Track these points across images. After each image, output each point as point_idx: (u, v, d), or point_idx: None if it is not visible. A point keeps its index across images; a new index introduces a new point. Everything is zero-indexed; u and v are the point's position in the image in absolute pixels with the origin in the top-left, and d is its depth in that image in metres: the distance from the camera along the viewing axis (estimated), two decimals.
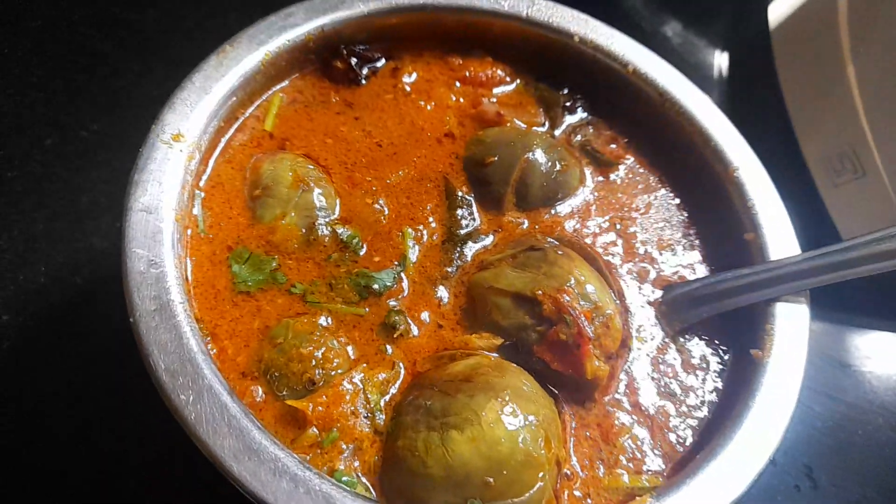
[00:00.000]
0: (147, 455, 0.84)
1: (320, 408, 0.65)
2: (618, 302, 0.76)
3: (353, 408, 0.66)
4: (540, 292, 0.70)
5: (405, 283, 0.75)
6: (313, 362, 0.67)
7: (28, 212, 0.97)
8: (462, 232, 0.79)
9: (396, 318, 0.72)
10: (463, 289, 0.76)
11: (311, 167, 0.78)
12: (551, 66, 0.92)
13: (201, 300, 0.69)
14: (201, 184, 0.75)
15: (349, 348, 0.70)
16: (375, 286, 0.73)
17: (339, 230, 0.75)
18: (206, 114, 0.74)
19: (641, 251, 0.83)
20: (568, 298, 0.69)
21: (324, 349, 0.68)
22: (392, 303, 0.73)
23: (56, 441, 0.84)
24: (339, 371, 0.67)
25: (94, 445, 0.84)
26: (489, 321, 0.72)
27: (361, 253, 0.75)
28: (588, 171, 0.88)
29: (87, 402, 0.86)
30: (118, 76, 1.10)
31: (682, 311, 0.78)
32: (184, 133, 0.72)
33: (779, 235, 0.79)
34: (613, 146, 0.89)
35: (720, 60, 1.31)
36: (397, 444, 0.64)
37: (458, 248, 0.78)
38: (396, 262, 0.75)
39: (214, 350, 0.67)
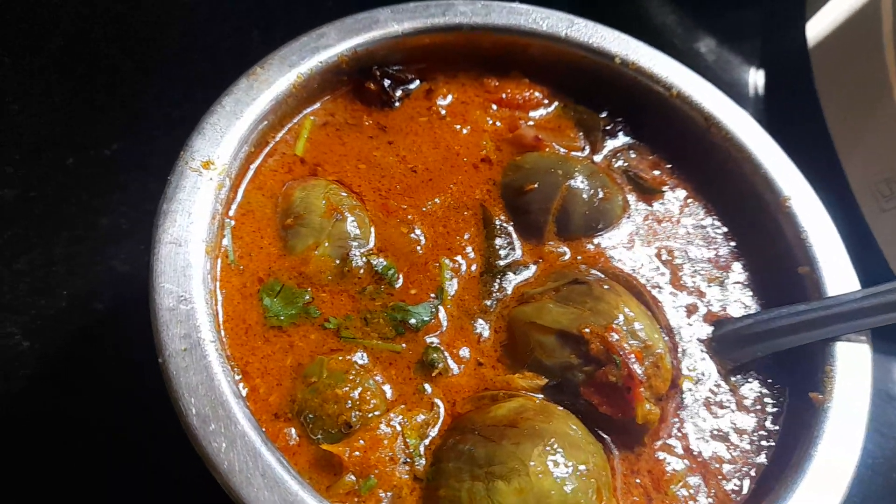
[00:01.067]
0: (171, 492, 0.81)
1: (357, 452, 0.61)
2: (667, 339, 0.72)
3: (391, 453, 0.62)
4: (587, 330, 0.66)
5: (443, 317, 0.71)
6: (349, 404, 0.63)
7: (47, 235, 0.95)
8: (501, 263, 0.75)
9: (435, 355, 0.68)
10: (503, 323, 0.72)
11: (345, 194, 0.75)
12: (591, 88, 0.88)
13: (231, 336, 0.66)
14: (231, 212, 0.72)
15: (386, 388, 0.66)
16: (412, 321, 0.70)
17: (374, 261, 0.72)
18: (237, 139, 0.71)
19: (689, 284, 0.79)
20: (617, 337, 0.65)
21: (360, 389, 0.64)
22: (430, 339, 0.70)
23: (75, 473, 0.81)
24: (376, 413, 0.64)
25: (115, 479, 0.82)
26: (532, 359, 0.69)
27: (397, 285, 0.72)
28: (631, 199, 0.84)
29: (108, 432, 0.83)
30: (139, 96, 1.08)
31: (734, 349, 0.74)
32: (214, 160, 0.69)
33: (835, 269, 0.75)
34: (657, 172, 0.86)
35: (756, 78, 1.28)
36: (439, 493, 0.60)
37: (498, 280, 0.74)
38: (433, 295, 0.72)
39: (246, 389, 0.64)
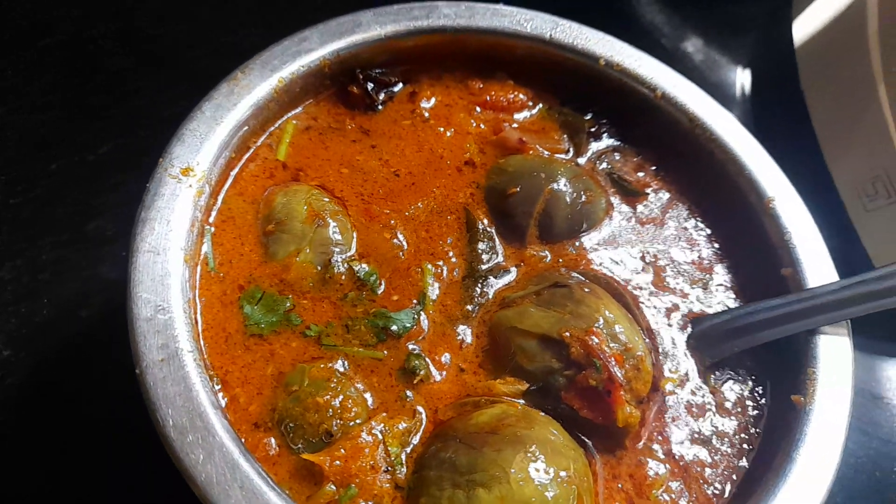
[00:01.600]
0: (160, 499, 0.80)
1: (338, 462, 0.61)
2: (648, 341, 0.72)
3: (372, 462, 0.62)
4: (567, 334, 0.66)
5: (424, 323, 0.71)
6: (330, 412, 0.63)
7: (33, 239, 0.94)
8: (483, 267, 0.75)
9: (416, 362, 0.68)
10: (485, 328, 0.72)
11: (327, 199, 0.74)
12: (576, 90, 0.88)
13: (211, 344, 0.66)
14: (211, 218, 0.72)
15: (367, 395, 0.66)
16: (394, 327, 0.69)
17: (357, 267, 0.71)
18: (217, 145, 0.71)
19: (672, 285, 0.79)
20: (597, 341, 0.65)
21: (341, 397, 0.64)
22: (411, 346, 0.69)
23: (63, 480, 0.81)
24: (358, 421, 0.64)
25: (103, 485, 0.81)
26: (513, 364, 0.68)
27: (380, 291, 0.72)
28: (615, 201, 0.84)
29: (97, 439, 0.83)
30: (138, 94, 1.07)
31: (713, 344, 0.74)
32: (193, 167, 0.69)
33: (818, 271, 0.75)
34: (641, 174, 0.86)
35: (742, 78, 1.28)
36: (420, 501, 0.60)
37: (480, 285, 0.74)
38: (416, 301, 0.72)
39: (225, 399, 0.63)
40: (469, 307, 0.73)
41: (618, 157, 0.86)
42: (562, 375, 0.66)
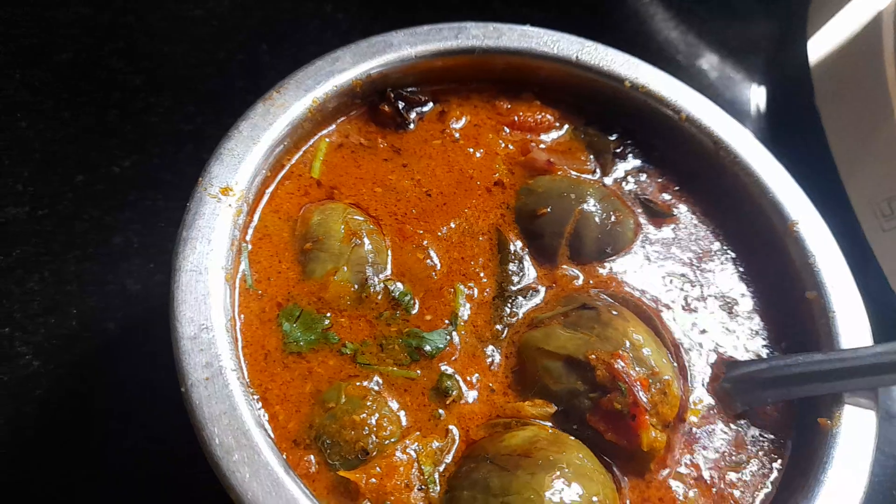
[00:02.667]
0: None
1: (373, 479, 0.62)
2: (675, 365, 0.73)
3: (406, 480, 0.63)
4: (593, 356, 0.67)
5: (456, 343, 0.72)
6: (366, 430, 0.64)
7: (59, 253, 0.95)
8: (513, 288, 0.76)
9: (449, 382, 0.69)
10: (514, 349, 0.73)
11: (362, 218, 0.75)
12: (601, 110, 0.90)
13: (251, 361, 0.67)
14: (248, 236, 0.73)
15: (401, 414, 0.67)
16: (427, 347, 0.70)
17: (392, 286, 0.72)
18: (254, 164, 0.71)
19: (698, 308, 0.80)
20: (622, 364, 0.66)
21: (377, 416, 0.65)
22: (444, 366, 0.70)
23: (90, 492, 0.82)
24: (392, 440, 0.64)
25: (131, 499, 0.82)
26: (539, 386, 0.69)
27: (413, 311, 0.72)
28: (642, 221, 0.85)
29: (124, 452, 0.84)
30: (149, 111, 1.08)
31: (746, 391, 0.74)
32: (232, 186, 0.69)
33: (842, 296, 0.76)
34: (666, 195, 0.87)
35: (757, 95, 1.29)
36: None
37: (510, 305, 0.75)
38: (448, 322, 0.72)
39: (266, 416, 0.64)
40: (499, 327, 0.74)
41: (643, 178, 0.87)
42: (587, 398, 0.67)
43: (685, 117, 0.86)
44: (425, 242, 0.76)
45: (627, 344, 0.68)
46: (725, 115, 0.87)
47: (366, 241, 0.73)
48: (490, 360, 0.72)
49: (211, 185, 0.68)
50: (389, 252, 0.75)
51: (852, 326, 0.74)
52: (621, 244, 0.81)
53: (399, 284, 0.73)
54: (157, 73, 1.10)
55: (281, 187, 0.77)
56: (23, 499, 0.80)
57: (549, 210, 0.79)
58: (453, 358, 0.71)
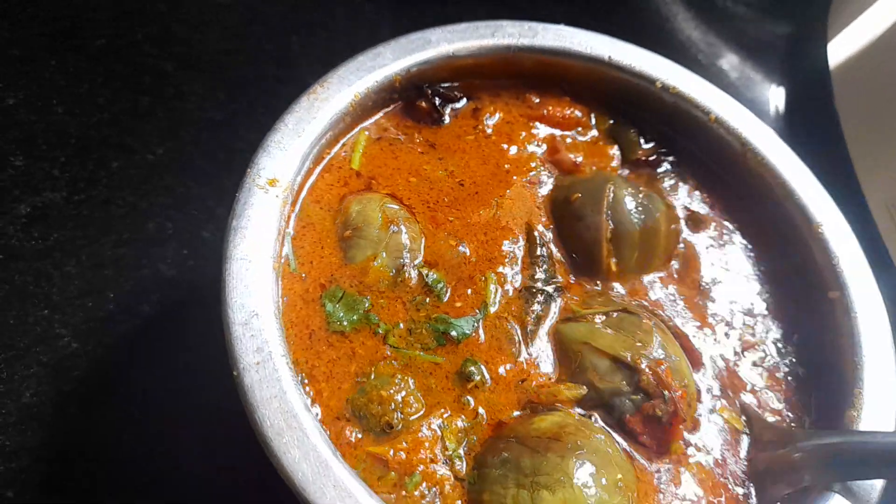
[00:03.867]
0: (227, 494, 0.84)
1: (402, 453, 0.65)
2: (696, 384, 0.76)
3: (431, 455, 0.66)
4: (641, 361, 0.70)
5: (481, 332, 0.74)
6: (392, 405, 0.67)
7: (95, 237, 0.97)
8: (542, 283, 0.78)
9: (472, 368, 0.71)
10: (544, 341, 0.75)
11: (398, 207, 0.77)
12: (630, 110, 0.91)
13: (296, 341, 0.69)
14: (291, 224, 0.75)
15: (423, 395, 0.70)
16: (454, 333, 0.72)
17: (426, 272, 0.75)
18: (299, 156, 0.74)
19: (720, 313, 0.82)
20: (668, 375, 0.69)
21: (403, 393, 0.68)
22: (469, 352, 0.73)
23: (128, 472, 0.84)
24: (417, 415, 0.67)
25: (166, 480, 0.84)
26: (584, 379, 0.71)
27: (445, 298, 0.75)
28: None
29: (160, 435, 0.86)
30: (182, 98, 1.10)
31: (819, 468, 0.67)
32: (279, 178, 0.71)
33: (865, 296, 0.78)
34: (695, 196, 0.89)
35: (777, 96, 1.31)
36: (483, 497, 0.63)
37: (539, 300, 0.77)
38: (477, 310, 0.75)
39: (311, 392, 0.67)
40: (529, 318, 0.76)
41: (672, 181, 0.89)
42: (629, 399, 0.69)
43: (714, 118, 0.87)
44: (457, 230, 0.78)
45: (672, 357, 0.71)
46: (753, 117, 0.88)
47: (402, 228, 0.75)
48: (515, 351, 0.74)
49: (259, 176, 0.70)
50: (423, 239, 0.77)
51: (874, 328, 0.76)
52: (655, 224, 0.82)
53: (433, 273, 0.75)
54: (188, 60, 1.12)
55: (322, 179, 0.79)
56: (65, 476, 0.82)
57: (580, 195, 0.80)
58: (479, 344, 0.73)
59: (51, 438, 0.84)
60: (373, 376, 0.68)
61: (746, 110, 0.88)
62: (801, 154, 0.87)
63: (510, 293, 0.76)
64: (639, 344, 0.71)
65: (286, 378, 0.61)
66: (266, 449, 0.59)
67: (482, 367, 0.71)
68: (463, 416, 0.69)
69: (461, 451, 0.66)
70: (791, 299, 0.84)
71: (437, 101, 0.85)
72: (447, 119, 0.87)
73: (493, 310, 0.75)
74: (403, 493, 0.64)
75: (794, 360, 0.80)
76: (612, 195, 0.80)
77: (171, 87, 1.10)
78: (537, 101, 0.91)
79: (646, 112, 0.91)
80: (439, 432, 0.67)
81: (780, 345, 0.81)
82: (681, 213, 0.87)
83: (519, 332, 0.75)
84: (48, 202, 0.97)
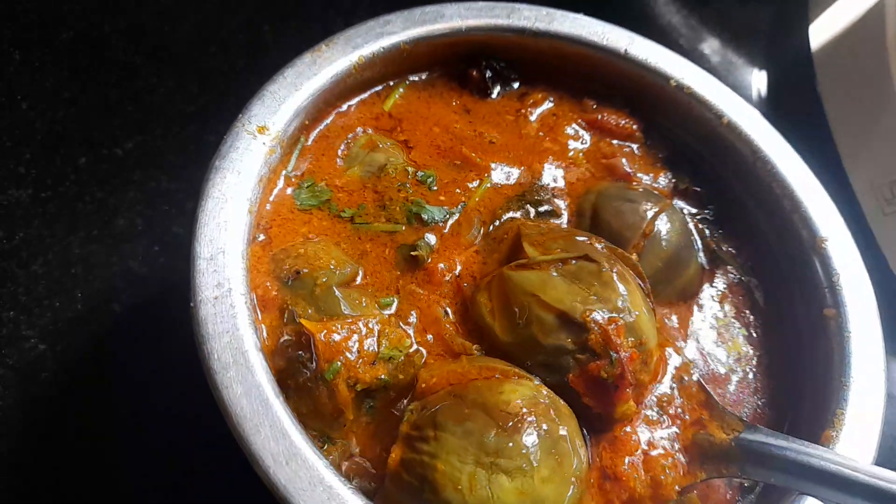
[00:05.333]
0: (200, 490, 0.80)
1: (334, 336, 0.63)
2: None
3: (358, 348, 0.64)
4: (590, 319, 0.64)
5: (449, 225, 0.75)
6: (305, 260, 0.68)
7: (62, 235, 0.91)
8: (537, 199, 0.78)
9: (422, 243, 0.72)
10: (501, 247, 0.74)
11: (390, 143, 0.79)
12: (654, 117, 0.89)
13: (272, 210, 0.72)
14: (311, 137, 0.78)
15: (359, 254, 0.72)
16: (424, 216, 0.73)
17: (415, 171, 0.77)
18: (293, 109, 0.73)
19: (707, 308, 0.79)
20: (617, 335, 0.63)
21: (319, 253, 0.69)
22: (429, 235, 0.73)
23: (100, 474, 0.80)
24: (326, 269, 0.68)
25: (141, 479, 0.81)
26: (527, 333, 0.66)
27: (433, 189, 0.76)
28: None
29: (131, 434, 0.82)
30: (152, 91, 1.04)
31: (754, 463, 0.65)
32: (269, 126, 0.71)
33: (861, 317, 0.74)
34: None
35: (759, 80, 1.29)
36: (436, 464, 0.57)
37: (525, 208, 0.77)
38: (458, 206, 0.76)
39: (263, 237, 0.70)
40: (500, 219, 0.76)
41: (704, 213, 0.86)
42: (573, 358, 0.64)
43: (726, 122, 0.84)
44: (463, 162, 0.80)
45: (625, 312, 0.65)
46: (767, 124, 0.85)
47: (380, 149, 0.78)
48: (473, 236, 0.75)
49: (249, 122, 0.70)
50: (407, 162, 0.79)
51: (866, 350, 0.72)
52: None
53: (423, 171, 0.77)
54: (158, 52, 1.07)
55: (357, 109, 0.82)
56: (34, 479, 0.78)
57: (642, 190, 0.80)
58: (442, 233, 0.74)
59: (18, 444, 0.79)
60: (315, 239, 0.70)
61: (761, 116, 0.85)
62: (784, 138, 0.84)
63: (498, 197, 0.77)
64: (593, 297, 0.65)
65: (242, 316, 0.61)
66: (210, 381, 0.58)
67: (432, 249, 0.72)
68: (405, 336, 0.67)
69: (397, 358, 0.65)
70: (787, 312, 0.80)
71: (489, 74, 0.85)
72: (494, 95, 0.86)
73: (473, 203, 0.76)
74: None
75: (779, 369, 0.77)
76: (671, 211, 0.78)
77: (141, 80, 1.04)
78: (594, 105, 0.88)
79: (663, 116, 0.88)
80: (376, 332, 0.65)
81: (767, 354, 0.79)
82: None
83: (483, 223, 0.75)
84: (13, 200, 0.92)
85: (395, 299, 0.69)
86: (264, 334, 0.65)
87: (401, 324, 0.68)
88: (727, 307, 0.80)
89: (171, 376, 0.80)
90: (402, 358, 0.65)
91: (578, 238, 0.72)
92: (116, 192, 0.96)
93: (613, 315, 0.64)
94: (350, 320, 0.65)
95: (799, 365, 0.76)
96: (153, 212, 0.95)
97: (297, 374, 0.63)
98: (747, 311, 0.80)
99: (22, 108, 0.98)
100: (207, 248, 0.63)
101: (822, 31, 1.24)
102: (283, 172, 0.73)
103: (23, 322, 0.85)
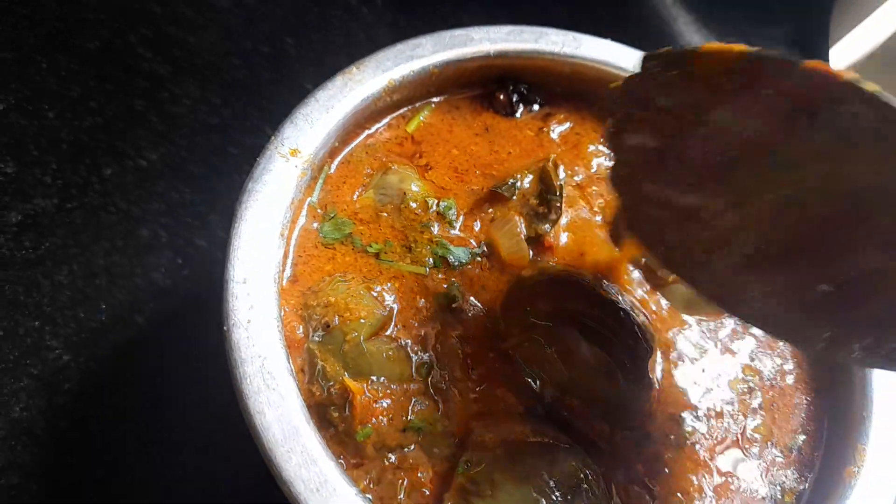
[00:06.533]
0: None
1: (368, 396, 0.63)
2: None
3: (391, 416, 0.64)
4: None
5: (480, 266, 0.74)
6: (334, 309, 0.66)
7: (87, 245, 0.91)
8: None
9: (456, 293, 0.71)
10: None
11: (409, 171, 0.78)
12: None
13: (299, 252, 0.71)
14: (335, 163, 0.77)
15: (392, 302, 0.69)
16: (450, 258, 0.72)
17: (430, 201, 0.75)
18: (325, 131, 0.73)
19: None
20: None
21: (349, 299, 0.67)
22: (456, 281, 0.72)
23: (121, 484, 0.81)
24: (360, 321, 0.66)
25: (162, 490, 0.81)
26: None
27: (457, 225, 0.75)
28: None
29: (154, 445, 0.83)
30: (176, 102, 1.04)
31: None
32: (301, 149, 0.71)
33: None
34: None
35: None
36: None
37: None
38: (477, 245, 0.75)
39: (291, 273, 0.69)
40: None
41: None
42: None
43: None
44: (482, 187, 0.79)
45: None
46: None
47: (393, 171, 0.77)
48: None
49: (282, 144, 0.70)
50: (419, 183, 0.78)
51: (887, 381, 0.72)
52: None
53: (444, 201, 0.76)
54: (183, 63, 1.07)
55: (383, 132, 0.81)
56: (57, 490, 0.78)
57: None
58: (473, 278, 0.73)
59: (42, 453, 0.79)
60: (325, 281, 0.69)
61: None
62: None
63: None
64: None
65: (274, 340, 0.61)
66: (241, 406, 0.58)
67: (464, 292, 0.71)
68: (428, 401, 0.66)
69: (422, 428, 0.64)
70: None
71: (515, 97, 0.85)
72: (518, 115, 0.86)
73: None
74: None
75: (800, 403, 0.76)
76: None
77: (166, 90, 1.04)
78: None
79: None
80: (413, 398, 0.65)
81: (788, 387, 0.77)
82: None
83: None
84: (39, 209, 0.91)
85: (434, 364, 0.67)
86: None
87: (432, 393, 0.66)
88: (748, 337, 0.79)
89: (195, 389, 0.81)
90: (430, 429, 0.65)
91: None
92: (140, 202, 0.96)
93: None
94: (392, 386, 0.65)
95: (819, 399, 0.76)
96: (176, 223, 0.96)
97: (324, 427, 0.63)
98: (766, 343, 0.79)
99: (49, 118, 0.98)
100: (240, 270, 0.63)
101: (842, 55, 1.24)
102: (308, 201, 0.73)
103: (47, 332, 0.85)
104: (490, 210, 0.77)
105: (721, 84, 0.54)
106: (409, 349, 0.66)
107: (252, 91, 1.09)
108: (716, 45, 0.57)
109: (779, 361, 0.77)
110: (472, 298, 0.71)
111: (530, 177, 0.78)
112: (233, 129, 1.05)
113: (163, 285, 0.92)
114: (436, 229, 0.74)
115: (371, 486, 0.61)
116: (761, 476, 0.69)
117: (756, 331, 0.77)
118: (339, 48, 1.15)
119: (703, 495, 0.67)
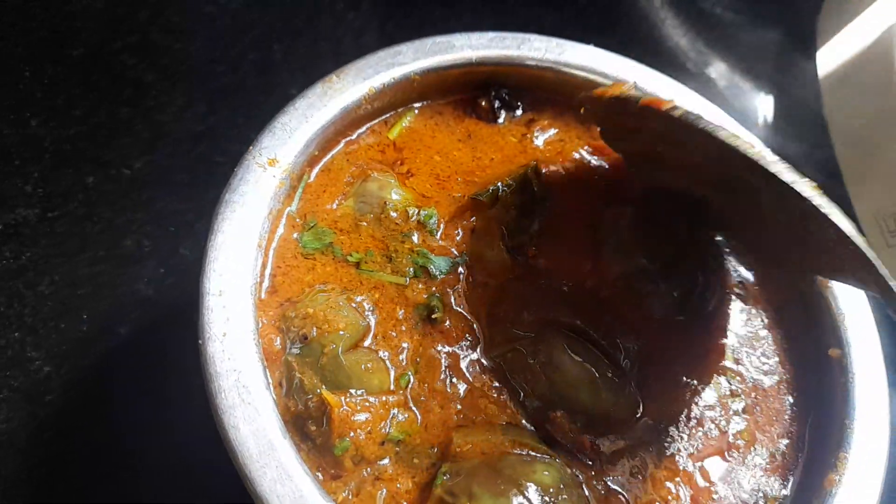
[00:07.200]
0: None
1: (346, 409, 0.62)
2: None
3: (371, 428, 0.63)
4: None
5: (461, 276, 0.73)
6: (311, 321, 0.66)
7: (70, 255, 0.91)
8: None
9: (436, 303, 0.70)
10: None
11: (389, 177, 0.77)
12: None
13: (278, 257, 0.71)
14: (315, 171, 0.76)
15: (371, 316, 0.68)
16: (431, 268, 0.72)
17: (411, 210, 0.74)
18: (304, 140, 0.72)
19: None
20: None
21: (329, 311, 0.66)
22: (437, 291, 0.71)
23: (104, 497, 0.80)
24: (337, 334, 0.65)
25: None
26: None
27: (438, 234, 0.74)
28: None
29: (135, 457, 0.82)
30: (161, 110, 1.04)
31: None
32: (279, 159, 0.70)
33: (865, 357, 0.73)
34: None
35: (765, 104, 1.29)
36: None
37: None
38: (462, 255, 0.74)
39: (268, 286, 0.68)
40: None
41: None
42: None
43: None
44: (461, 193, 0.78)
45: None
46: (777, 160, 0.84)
47: (372, 179, 0.76)
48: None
49: (260, 154, 0.70)
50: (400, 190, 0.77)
51: (870, 389, 0.71)
52: None
53: (424, 210, 0.75)
54: (169, 70, 1.07)
55: (364, 138, 0.80)
56: (39, 499, 0.78)
57: None
58: (455, 288, 0.72)
59: (24, 466, 0.78)
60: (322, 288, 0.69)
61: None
62: (789, 163, 0.84)
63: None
64: None
65: (250, 354, 0.61)
66: (216, 420, 0.58)
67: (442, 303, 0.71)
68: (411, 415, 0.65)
69: (401, 440, 0.64)
70: (794, 350, 0.79)
71: (497, 103, 0.85)
72: (501, 121, 0.85)
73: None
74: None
75: (782, 409, 0.76)
76: None
77: (151, 98, 1.04)
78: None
79: None
80: (392, 410, 0.64)
81: (770, 393, 0.76)
82: None
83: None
84: (21, 219, 0.92)
85: (413, 376, 0.67)
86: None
87: (412, 405, 0.66)
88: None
89: (178, 400, 0.79)
90: (409, 441, 0.64)
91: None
92: (124, 212, 0.95)
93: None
94: (371, 399, 0.64)
95: (802, 405, 0.76)
96: (161, 232, 0.95)
97: (302, 441, 0.62)
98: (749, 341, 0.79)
99: (32, 125, 0.98)
100: (216, 283, 0.63)
101: (829, 57, 1.24)
102: (287, 211, 0.72)
103: (28, 343, 0.85)
104: (473, 218, 0.76)
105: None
106: (388, 361, 0.66)
107: (239, 98, 1.09)
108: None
109: (763, 360, 0.77)
110: (453, 308, 0.70)
111: (512, 183, 0.77)
112: (219, 137, 1.04)
113: (146, 295, 0.91)
114: (416, 238, 0.73)
115: (350, 497, 0.60)
116: (744, 483, 0.69)
117: (738, 329, 0.78)
118: (326, 55, 1.15)
119: None
